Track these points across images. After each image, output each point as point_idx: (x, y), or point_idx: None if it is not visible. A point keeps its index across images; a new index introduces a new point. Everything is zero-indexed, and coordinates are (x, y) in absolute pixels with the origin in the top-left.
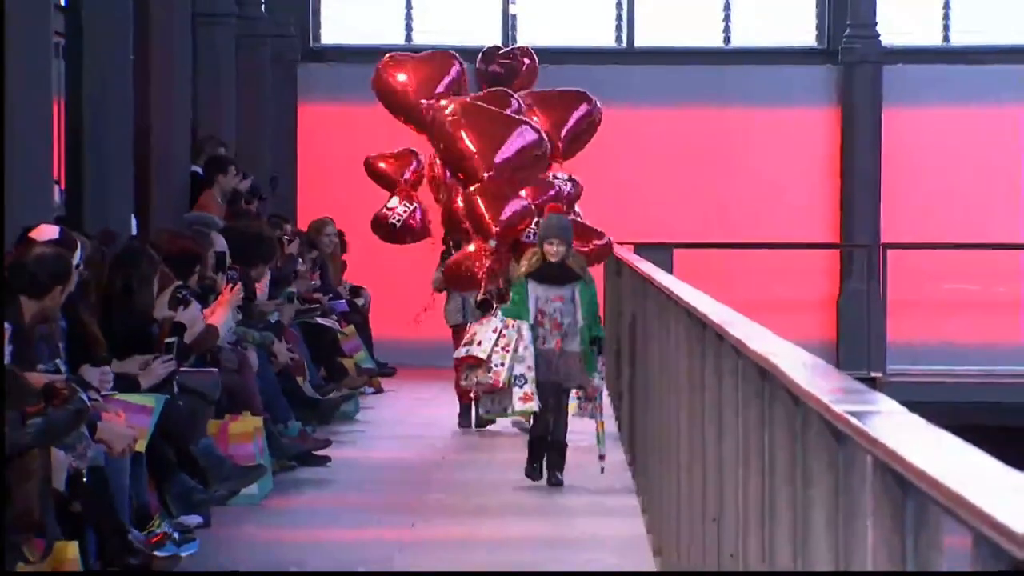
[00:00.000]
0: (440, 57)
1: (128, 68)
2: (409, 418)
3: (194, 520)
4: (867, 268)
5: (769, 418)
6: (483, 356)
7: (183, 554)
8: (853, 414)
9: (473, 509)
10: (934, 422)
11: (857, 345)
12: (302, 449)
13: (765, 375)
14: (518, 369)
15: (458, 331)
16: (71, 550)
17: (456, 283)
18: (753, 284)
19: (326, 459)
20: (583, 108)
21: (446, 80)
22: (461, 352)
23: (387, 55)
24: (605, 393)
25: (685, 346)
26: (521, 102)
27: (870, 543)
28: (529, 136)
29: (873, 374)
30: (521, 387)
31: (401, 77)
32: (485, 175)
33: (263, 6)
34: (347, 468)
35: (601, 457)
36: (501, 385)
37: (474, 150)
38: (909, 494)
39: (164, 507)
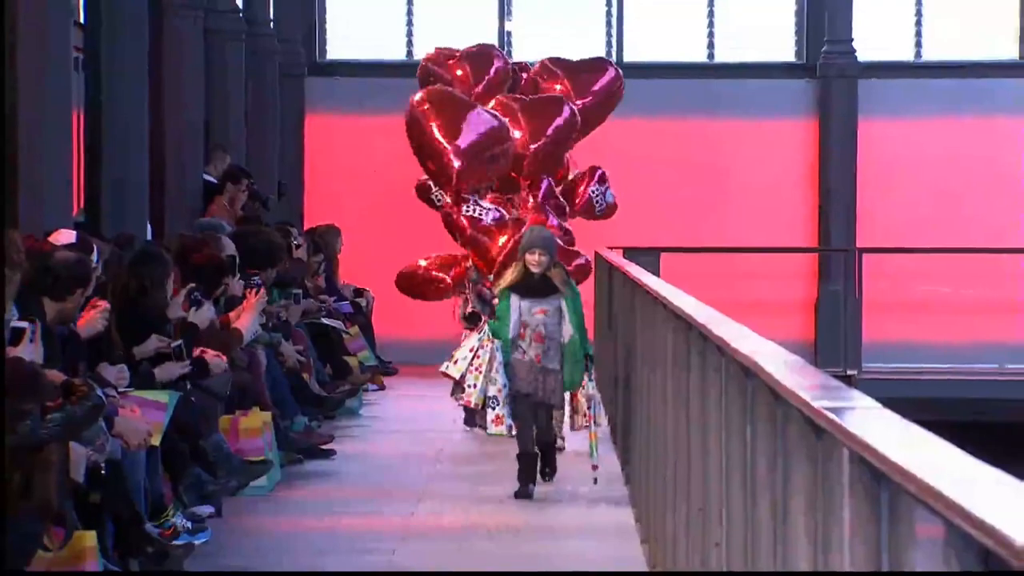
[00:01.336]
0: (483, 52)
1: (143, 81)
2: (410, 414)
3: (206, 510)
4: (844, 271)
5: (751, 413)
6: (456, 376)
7: (196, 542)
8: (831, 410)
9: (471, 499)
10: (907, 417)
11: (834, 344)
12: (308, 443)
13: (747, 373)
14: (491, 391)
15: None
16: (89, 539)
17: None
18: (736, 286)
19: (331, 452)
20: (608, 75)
21: (488, 76)
22: (442, 368)
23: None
24: (599, 401)
25: (671, 345)
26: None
27: (847, 532)
28: (489, 122)
29: (849, 372)
30: (493, 409)
31: (450, 74)
32: (455, 164)
33: (271, 23)
34: (351, 461)
35: (594, 467)
36: (474, 405)
37: (443, 141)
38: (884, 485)
39: (178, 498)
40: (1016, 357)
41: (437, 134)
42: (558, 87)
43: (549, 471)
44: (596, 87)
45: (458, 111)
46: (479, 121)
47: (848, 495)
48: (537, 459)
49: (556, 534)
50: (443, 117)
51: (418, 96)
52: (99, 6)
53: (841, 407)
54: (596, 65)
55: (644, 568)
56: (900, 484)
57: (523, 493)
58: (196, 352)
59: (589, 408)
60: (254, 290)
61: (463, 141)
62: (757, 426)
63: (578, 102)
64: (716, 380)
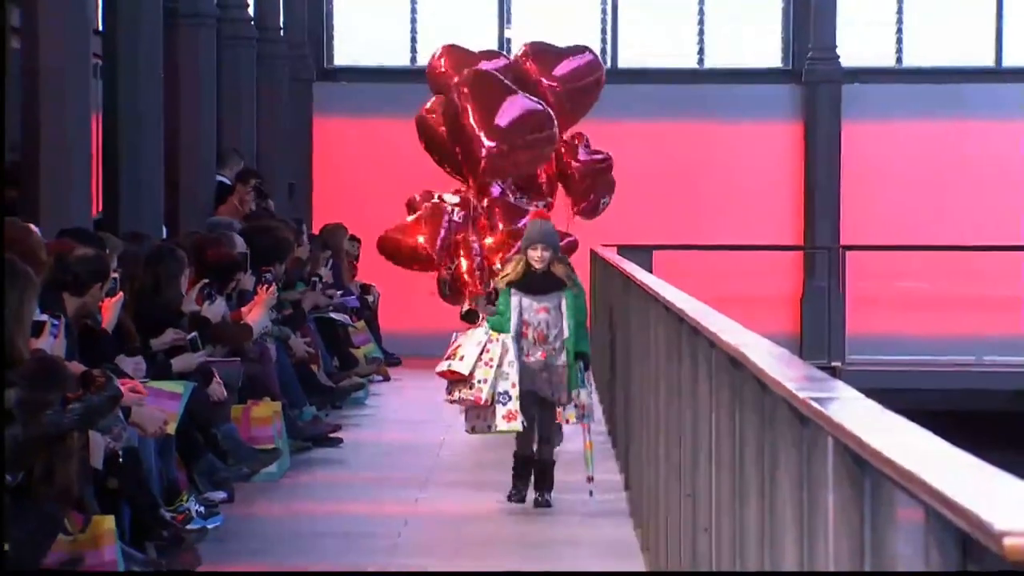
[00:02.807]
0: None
1: (159, 87)
2: (414, 404)
3: (219, 496)
4: (828, 268)
5: (740, 403)
6: (465, 372)
7: (209, 526)
8: (816, 400)
9: (472, 485)
10: (889, 407)
11: (819, 337)
12: (316, 431)
13: (736, 364)
14: (502, 386)
15: None
16: (108, 523)
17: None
18: (725, 282)
19: (338, 441)
20: (585, 58)
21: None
22: (443, 367)
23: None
24: (597, 408)
25: (664, 338)
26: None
27: (831, 517)
28: (531, 108)
29: (833, 363)
30: (505, 404)
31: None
32: (487, 146)
33: (281, 31)
34: (357, 449)
35: (589, 479)
36: (484, 402)
37: (476, 125)
38: (866, 472)
39: (192, 484)
40: (992, 349)
41: (472, 118)
42: (540, 76)
43: (546, 490)
44: (571, 72)
45: (497, 94)
46: (519, 105)
47: (832, 481)
48: (532, 463)
49: (553, 518)
50: (481, 100)
51: (456, 79)
52: (116, 15)
53: (825, 397)
54: (574, 50)
55: (637, 552)
56: (882, 470)
57: (517, 497)
58: (205, 359)
59: (584, 418)
60: (265, 286)
61: (500, 123)
62: (745, 415)
63: (561, 98)
64: (706, 371)
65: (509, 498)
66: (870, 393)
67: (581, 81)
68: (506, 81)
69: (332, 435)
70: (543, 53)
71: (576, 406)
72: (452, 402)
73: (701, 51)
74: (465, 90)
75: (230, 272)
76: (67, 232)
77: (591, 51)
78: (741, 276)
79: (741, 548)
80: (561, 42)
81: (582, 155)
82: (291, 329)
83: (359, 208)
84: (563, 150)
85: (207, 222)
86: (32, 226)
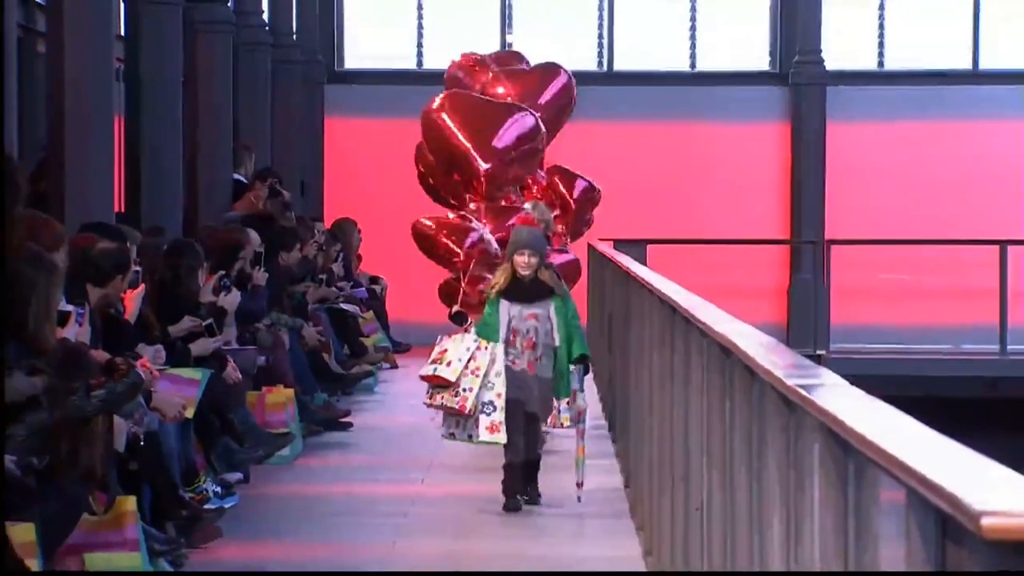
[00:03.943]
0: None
1: (179, 90)
2: (420, 390)
3: (235, 477)
4: (813, 261)
5: (730, 390)
6: (452, 379)
7: (225, 506)
8: (802, 387)
9: (475, 468)
10: (871, 393)
11: (805, 327)
12: (327, 416)
13: (726, 353)
14: (486, 396)
15: None
16: (130, 503)
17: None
18: (716, 275)
19: (348, 425)
20: (560, 80)
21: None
22: (428, 370)
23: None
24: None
25: (658, 328)
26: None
27: (817, 498)
28: (527, 122)
29: (819, 352)
30: (488, 415)
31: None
32: (482, 168)
33: (294, 36)
34: (366, 433)
35: (579, 485)
36: (468, 411)
37: (468, 144)
38: (850, 455)
39: (209, 466)
40: (969, 338)
41: (461, 137)
42: (500, 90)
43: (532, 491)
44: (549, 95)
45: (480, 111)
46: (506, 119)
47: (818, 464)
48: (522, 470)
49: (552, 502)
50: (464, 119)
51: (435, 103)
52: (139, 21)
53: (811, 384)
54: (548, 71)
55: (633, 533)
56: (865, 454)
57: (513, 506)
58: (221, 346)
59: (580, 422)
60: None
61: (490, 141)
62: (735, 401)
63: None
64: (698, 360)
65: (505, 508)
66: (853, 380)
67: (559, 106)
68: (481, 96)
69: (342, 420)
70: (516, 79)
71: (567, 410)
72: (432, 406)
73: (693, 55)
74: (445, 112)
75: (231, 255)
76: (88, 226)
77: (562, 69)
78: (731, 269)
79: (732, 527)
80: (561, 45)
81: (578, 187)
82: (303, 320)
83: (368, 204)
84: (557, 180)
85: (222, 218)
86: (40, 213)
